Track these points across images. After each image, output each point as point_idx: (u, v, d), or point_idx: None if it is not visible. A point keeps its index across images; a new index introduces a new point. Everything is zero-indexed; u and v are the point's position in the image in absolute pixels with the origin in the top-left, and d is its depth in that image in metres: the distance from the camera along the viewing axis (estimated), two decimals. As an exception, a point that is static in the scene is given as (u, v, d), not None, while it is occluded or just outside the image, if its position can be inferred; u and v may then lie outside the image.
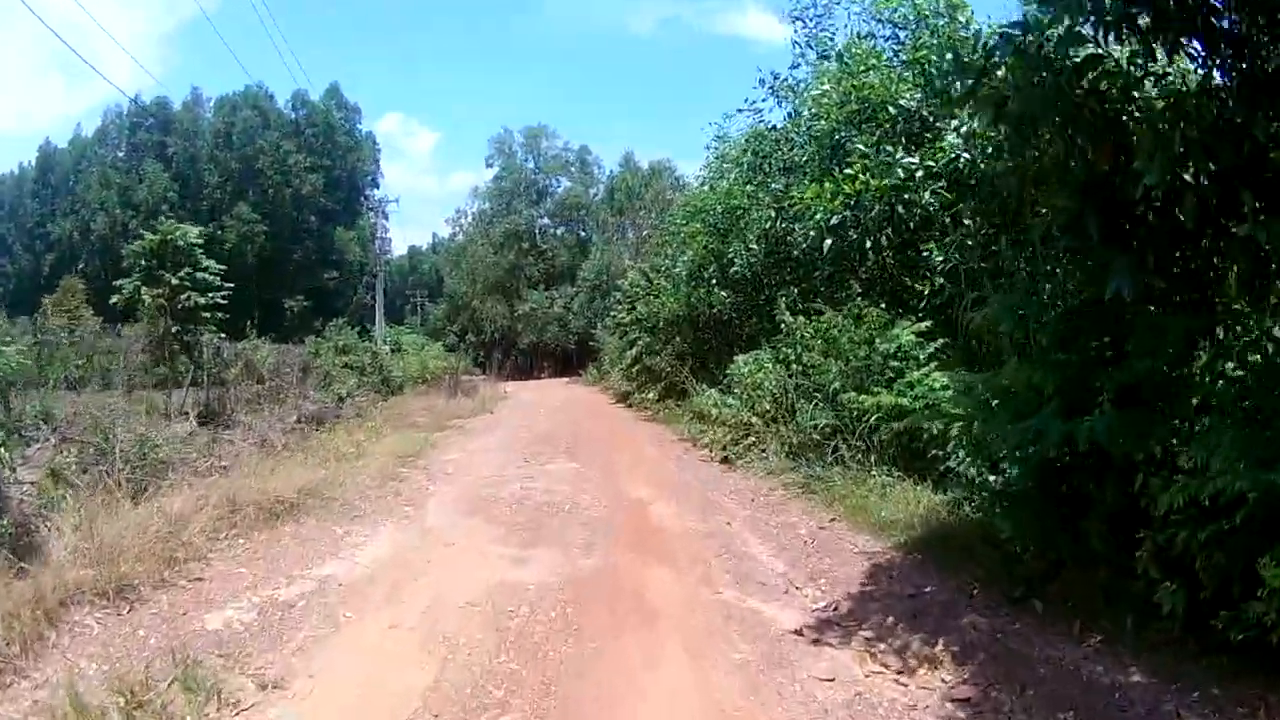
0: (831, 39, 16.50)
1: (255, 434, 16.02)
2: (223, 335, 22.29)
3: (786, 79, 17.81)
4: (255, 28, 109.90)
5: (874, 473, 10.72)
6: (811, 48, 17.26)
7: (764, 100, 18.05)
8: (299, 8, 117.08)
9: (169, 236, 22.13)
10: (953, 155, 11.38)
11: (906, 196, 11.86)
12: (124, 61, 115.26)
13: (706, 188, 23.45)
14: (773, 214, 17.33)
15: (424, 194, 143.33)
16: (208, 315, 21.87)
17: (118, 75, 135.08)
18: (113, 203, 61.17)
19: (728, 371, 17.78)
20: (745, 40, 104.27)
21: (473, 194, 75.61)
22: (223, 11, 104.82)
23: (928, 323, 11.48)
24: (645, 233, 48.60)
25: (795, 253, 17.58)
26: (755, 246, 18.96)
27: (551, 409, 28.69)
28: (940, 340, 11.33)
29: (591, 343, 47.71)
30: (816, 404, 12.41)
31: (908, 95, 12.71)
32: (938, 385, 10.54)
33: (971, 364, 11.84)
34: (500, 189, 71.14)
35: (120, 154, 65.78)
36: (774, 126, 18.05)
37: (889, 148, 12.30)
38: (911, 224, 12.32)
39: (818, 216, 12.48)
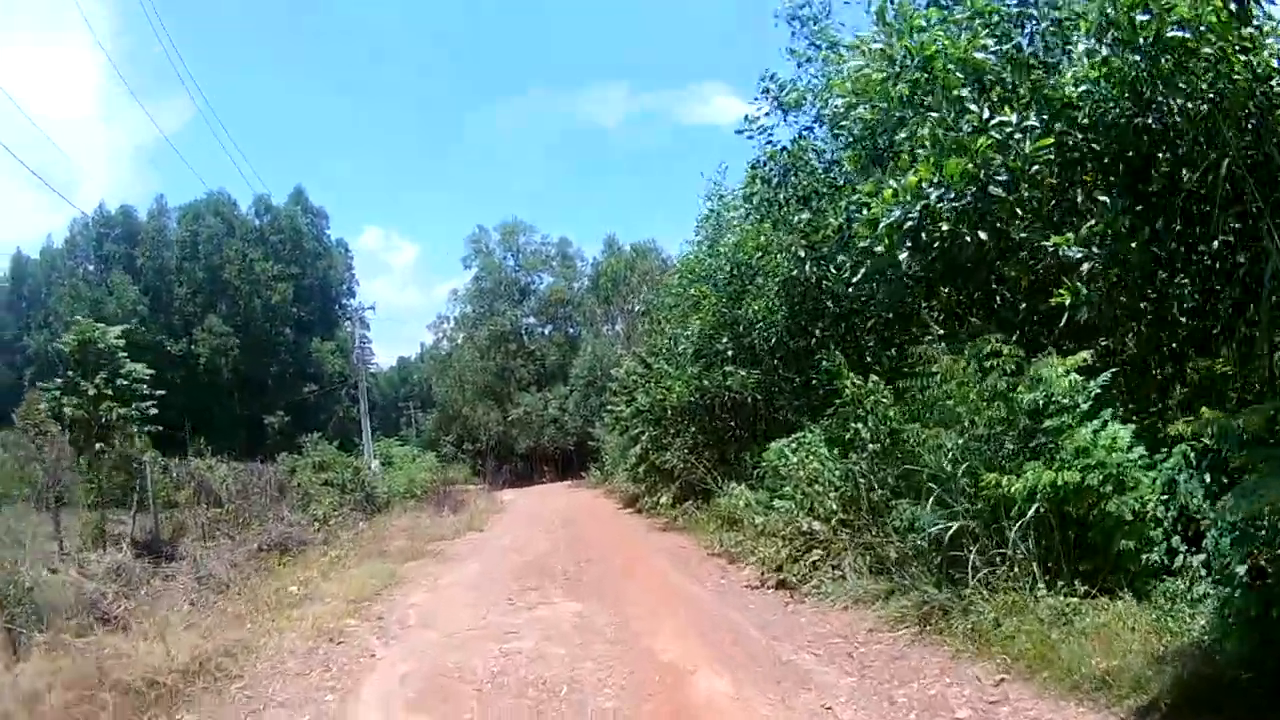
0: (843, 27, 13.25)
1: (201, 567, 13.63)
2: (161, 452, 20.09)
3: (791, 88, 14.31)
4: (226, 136, 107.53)
5: (1038, 590, 6.83)
6: (818, 46, 13.93)
7: (767, 115, 14.48)
8: (268, 130, 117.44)
9: (88, 337, 19.18)
10: (1076, 96, 7.94)
11: (1002, 176, 8.28)
12: (101, 174, 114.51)
13: (705, 247, 19.93)
14: (800, 254, 13.75)
15: (410, 307, 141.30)
16: (135, 429, 19.21)
17: (93, 189, 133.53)
18: (84, 316, 55.88)
19: (760, 463, 14.07)
20: (714, 127, 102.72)
21: (453, 297, 72.17)
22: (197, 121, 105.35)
23: (1085, 353, 7.63)
24: (638, 308, 44.67)
25: (830, 302, 14.15)
26: (777, 303, 15.42)
27: (550, 521, 24.57)
28: (1106, 376, 7.53)
29: (591, 442, 43.65)
30: (919, 496, 8.45)
31: (989, 45, 9.10)
32: (1121, 443, 6.82)
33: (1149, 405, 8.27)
34: (480, 290, 67.64)
35: (90, 266, 62.66)
36: (783, 148, 14.46)
37: (973, 108, 8.67)
38: (1019, 208, 8.71)
39: (885, 222, 8.78)
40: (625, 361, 28.53)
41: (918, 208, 8.53)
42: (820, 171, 14.11)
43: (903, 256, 9.00)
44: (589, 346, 56.22)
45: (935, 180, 8.34)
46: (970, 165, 8.14)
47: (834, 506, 10.56)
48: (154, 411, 19.85)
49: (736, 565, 12.82)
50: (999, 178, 8.32)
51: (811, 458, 11.52)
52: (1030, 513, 7.01)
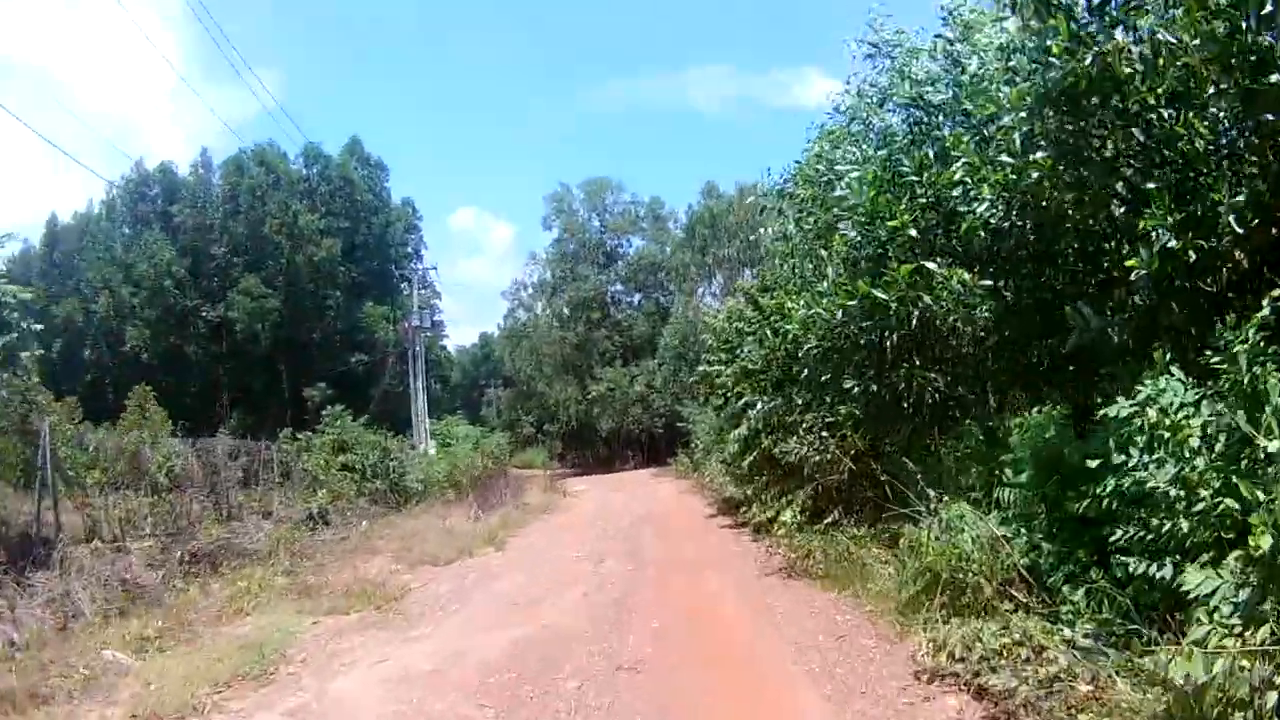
0: None
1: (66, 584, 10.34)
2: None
3: None
4: (265, 92, 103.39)
5: None
6: None
7: None
8: (363, 108, 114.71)
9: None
10: None
11: None
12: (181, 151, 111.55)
13: (868, 98, 11.72)
14: None
15: (504, 287, 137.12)
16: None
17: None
18: (116, 280, 52.78)
19: (994, 458, 6.60)
20: (810, 112, 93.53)
21: (531, 260, 64.24)
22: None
23: None
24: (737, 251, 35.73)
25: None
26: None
27: (608, 535, 17.00)
28: None
29: (680, 423, 35.52)
30: None
31: None
32: None
33: None
34: (562, 253, 59.63)
35: (127, 229, 57.53)
36: None
37: None
38: None
39: None
40: (727, 304, 19.88)
41: None
42: None
43: None
44: (681, 309, 47.58)
45: None
46: None
47: None
48: (39, 350, 15.09)
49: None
50: None
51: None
52: None
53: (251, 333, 51.30)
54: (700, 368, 18.83)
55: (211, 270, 53.43)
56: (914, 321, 9.03)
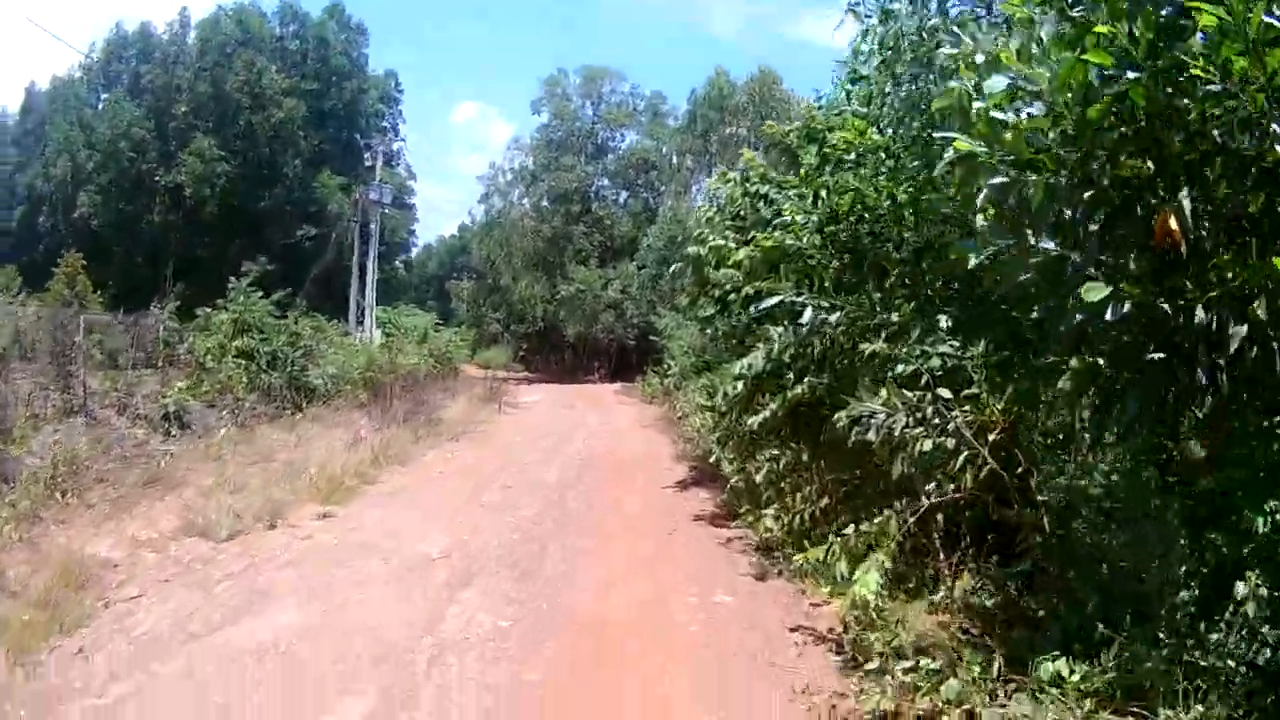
0: None
1: None
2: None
3: None
4: None
5: None
6: None
7: None
8: None
9: None
10: None
11: None
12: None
13: None
14: None
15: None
16: None
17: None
18: (78, 145, 48.90)
19: None
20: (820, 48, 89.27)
21: (513, 145, 56.79)
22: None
23: None
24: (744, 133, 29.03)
25: None
26: None
27: (517, 505, 10.97)
28: None
29: (653, 336, 29.47)
30: None
31: None
32: None
33: None
34: (548, 140, 52.48)
35: (102, 92, 54.64)
36: None
37: None
38: None
39: None
40: (743, 158, 12.32)
41: None
42: None
43: None
44: (671, 204, 40.85)
45: None
46: None
47: None
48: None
49: None
50: None
51: None
52: None
53: (200, 198, 47.14)
54: (690, 249, 11.64)
55: (172, 133, 49.13)
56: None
